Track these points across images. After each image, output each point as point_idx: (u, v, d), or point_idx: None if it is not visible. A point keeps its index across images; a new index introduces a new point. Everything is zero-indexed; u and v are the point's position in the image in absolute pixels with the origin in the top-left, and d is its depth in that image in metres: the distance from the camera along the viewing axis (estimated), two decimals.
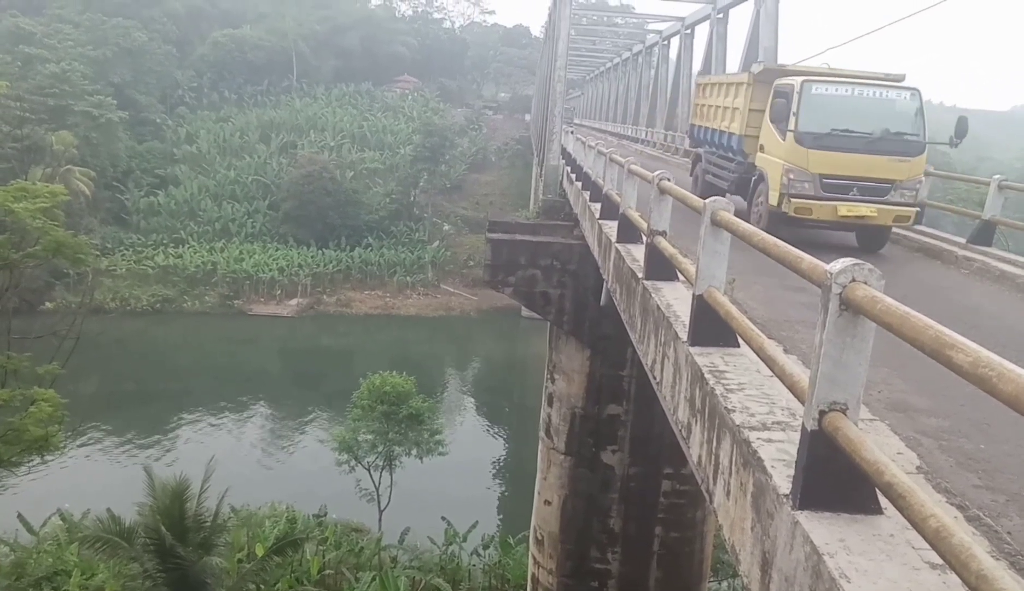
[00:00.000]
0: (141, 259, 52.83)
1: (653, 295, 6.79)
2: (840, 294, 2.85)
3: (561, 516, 15.79)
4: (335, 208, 57.34)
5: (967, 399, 4.49)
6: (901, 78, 11.68)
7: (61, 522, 21.26)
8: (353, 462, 22.41)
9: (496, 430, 37.33)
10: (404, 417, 22.17)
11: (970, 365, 2.14)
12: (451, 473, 26.59)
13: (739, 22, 28.45)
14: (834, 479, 2.97)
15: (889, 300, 2.63)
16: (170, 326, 48.34)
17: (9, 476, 21.06)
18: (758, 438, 3.72)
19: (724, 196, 12.81)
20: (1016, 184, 13.03)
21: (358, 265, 55.66)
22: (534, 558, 16.73)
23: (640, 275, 7.49)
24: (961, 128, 11.24)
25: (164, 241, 55.46)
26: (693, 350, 5.14)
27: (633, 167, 9.26)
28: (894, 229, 11.56)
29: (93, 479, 26.81)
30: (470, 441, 33.13)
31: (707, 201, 5.10)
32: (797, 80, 10.95)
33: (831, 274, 2.88)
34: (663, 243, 6.96)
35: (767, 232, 4.05)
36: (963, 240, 11.83)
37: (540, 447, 16.77)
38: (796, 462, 3.15)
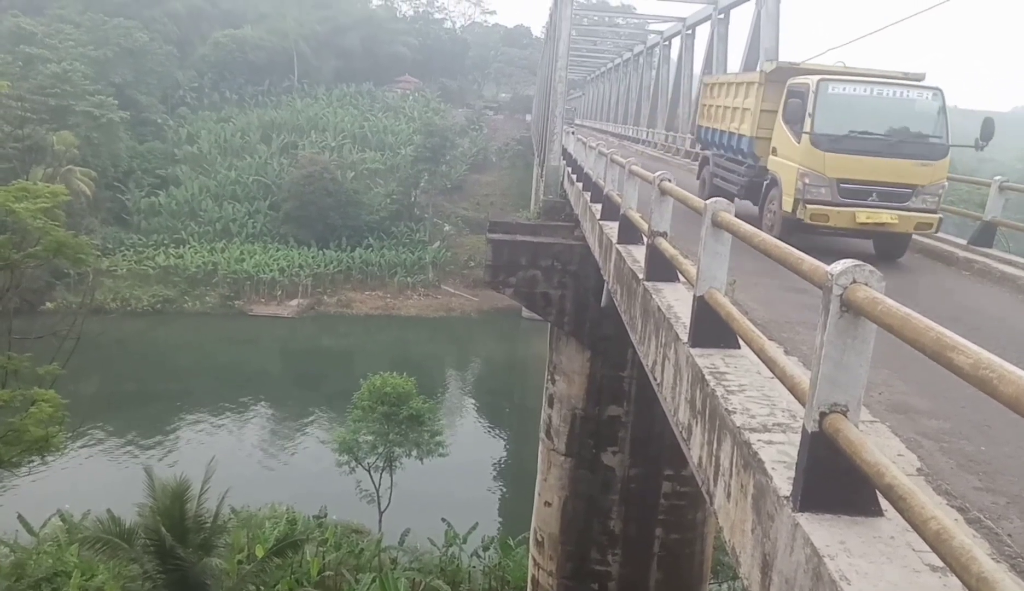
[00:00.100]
0: (142, 259, 52.86)
1: (654, 296, 6.79)
2: (841, 296, 2.84)
3: (561, 517, 15.78)
4: (336, 208, 57.36)
5: (968, 401, 4.48)
6: (921, 77, 11.18)
7: (61, 523, 21.26)
8: (353, 463, 22.42)
9: (496, 431, 37.33)
10: (404, 418, 22.18)
11: (971, 367, 2.13)
12: (451, 474, 26.59)
13: (740, 23, 28.45)
14: (835, 481, 2.96)
15: (890, 302, 2.62)
16: (171, 326, 48.36)
17: (9, 477, 21.05)
18: (759, 440, 3.71)
19: (733, 201, 12.74)
20: (1017, 185, 13.02)
21: (359, 266, 55.68)
22: (534, 560, 16.72)
23: (641, 276, 7.48)
24: (987, 130, 10.66)
25: (165, 241, 55.49)
26: (694, 351, 5.13)
27: (634, 168, 9.25)
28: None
29: (93, 480, 26.81)
30: (470, 442, 33.13)
31: (708, 202, 5.10)
32: (812, 79, 10.43)
33: (832, 276, 2.88)
34: (664, 244, 6.96)
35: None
36: (964, 241, 11.81)
37: (540, 448, 16.76)
38: (797, 464, 3.15)
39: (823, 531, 2.87)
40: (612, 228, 10.12)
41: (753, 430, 3.84)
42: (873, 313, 2.68)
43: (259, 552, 17.00)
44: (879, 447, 2.87)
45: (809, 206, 10.09)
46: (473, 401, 41.47)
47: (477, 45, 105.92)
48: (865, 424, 3.76)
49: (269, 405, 37.71)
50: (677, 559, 15.46)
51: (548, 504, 16.07)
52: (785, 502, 3.13)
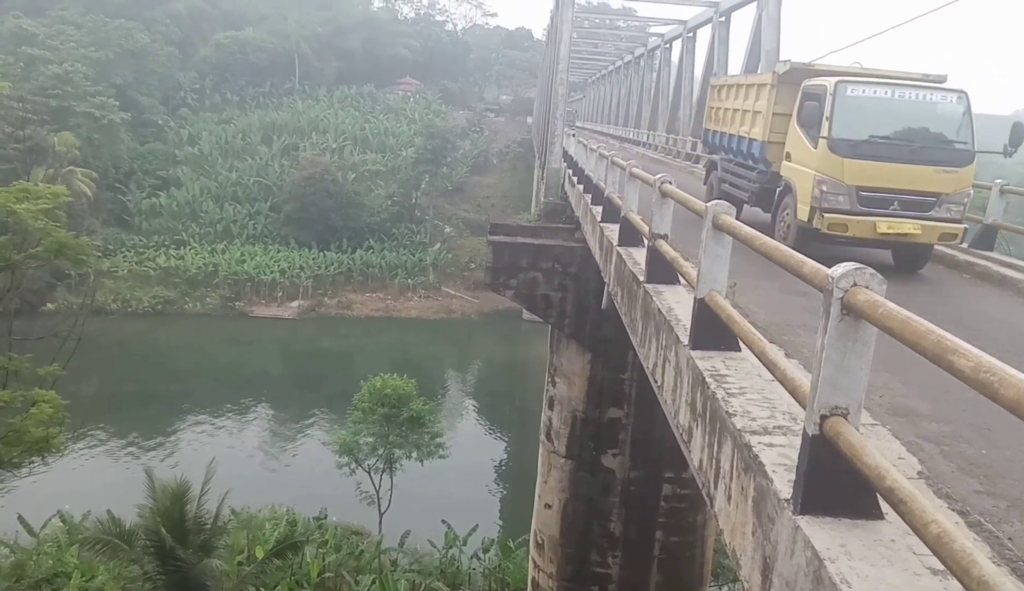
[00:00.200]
0: (143, 260, 52.89)
1: (654, 299, 6.79)
2: (842, 299, 2.85)
3: (561, 520, 15.77)
4: (336, 210, 57.40)
5: (968, 404, 4.48)
6: (943, 79, 10.71)
7: (61, 524, 21.25)
8: (354, 465, 22.43)
9: (497, 433, 37.32)
10: (405, 420, 22.20)
11: (971, 370, 2.13)
12: (452, 476, 26.58)
13: (741, 25, 28.47)
14: (835, 484, 2.96)
15: (891, 305, 2.62)
16: (171, 327, 48.38)
17: (10, 477, 21.05)
18: (759, 442, 3.71)
19: (741, 208, 12.38)
20: (1017, 188, 13.02)
21: (359, 267, 55.70)
22: (534, 562, 16.71)
23: (641, 278, 7.48)
24: (1017, 135, 10.12)
25: (166, 242, 55.51)
26: (694, 354, 5.13)
27: (635, 170, 9.25)
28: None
29: (93, 481, 26.81)
30: (471, 444, 33.11)
31: (709, 205, 5.09)
32: (830, 81, 9.89)
33: (832, 278, 2.88)
34: (664, 246, 6.96)
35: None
36: (965, 244, 11.80)
37: (540, 450, 16.75)
38: (797, 467, 3.15)
39: (824, 534, 2.87)
40: (613, 230, 10.13)
41: (754, 433, 3.84)
42: (874, 316, 2.68)
43: (259, 553, 16.99)
44: (880, 450, 2.87)
45: (826, 215, 9.57)
46: (473, 403, 41.46)
47: (478, 47, 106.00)
48: (866, 427, 3.76)
49: (269, 406, 37.71)
50: (677, 562, 15.45)
51: (548, 506, 16.06)
52: (786, 505, 3.13)
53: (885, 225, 9.50)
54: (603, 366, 15.23)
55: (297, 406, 37.66)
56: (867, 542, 2.84)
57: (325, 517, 22.88)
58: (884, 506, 2.87)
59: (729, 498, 4.00)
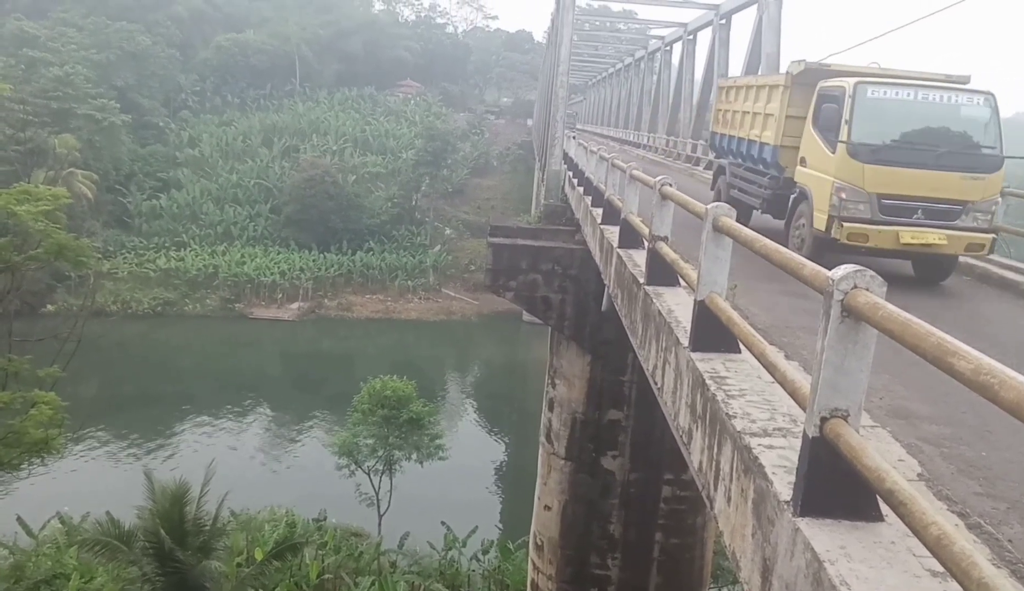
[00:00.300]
0: (143, 262, 52.91)
1: (654, 300, 6.79)
2: (842, 301, 2.85)
3: (561, 521, 15.76)
4: (337, 212, 57.43)
5: (968, 406, 4.48)
6: (966, 80, 10.19)
7: (60, 525, 21.23)
8: (353, 466, 22.43)
9: (496, 435, 37.30)
10: (404, 421, 22.19)
11: (971, 372, 2.13)
12: (451, 478, 26.58)
13: (742, 28, 28.49)
14: (835, 486, 2.96)
15: (891, 307, 2.62)
16: (171, 329, 48.39)
17: (9, 479, 21.05)
18: (759, 444, 3.71)
19: (750, 215, 12.19)
20: (1018, 191, 13.00)
21: (359, 269, 55.73)
22: (534, 564, 16.70)
23: (642, 280, 7.49)
24: None
25: (166, 244, 55.55)
26: (694, 356, 5.13)
27: (635, 172, 9.26)
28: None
29: (93, 482, 26.81)
30: (470, 446, 33.10)
31: (709, 207, 5.10)
32: (849, 81, 9.33)
33: (833, 281, 2.88)
34: (665, 248, 6.96)
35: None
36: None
37: (540, 452, 16.75)
38: (797, 469, 3.15)
39: (823, 536, 2.87)
40: (613, 232, 10.13)
41: (754, 435, 3.84)
42: (874, 318, 2.68)
43: (258, 555, 16.97)
44: (880, 452, 2.87)
45: (846, 224, 9.01)
46: (473, 405, 41.45)
47: (479, 50, 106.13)
48: (866, 429, 3.76)
49: (269, 408, 37.71)
50: (677, 564, 15.44)
51: (548, 508, 16.05)
52: (785, 507, 3.12)
53: (908, 235, 8.94)
54: (603, 368, 15.23)
55: (297, 407, 37.65)
56: (867, 544, 2.84)
57: (324, 519, 22.87)
58: (884, 508, 2.86)
59: (729, 500, 4.00)
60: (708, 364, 4.96)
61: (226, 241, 57.08)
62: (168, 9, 76.43)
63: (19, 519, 20.76)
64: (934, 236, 8.96)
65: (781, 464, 3.47)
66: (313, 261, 55.34)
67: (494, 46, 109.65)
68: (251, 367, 44.68)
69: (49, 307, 44.40)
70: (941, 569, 2.36)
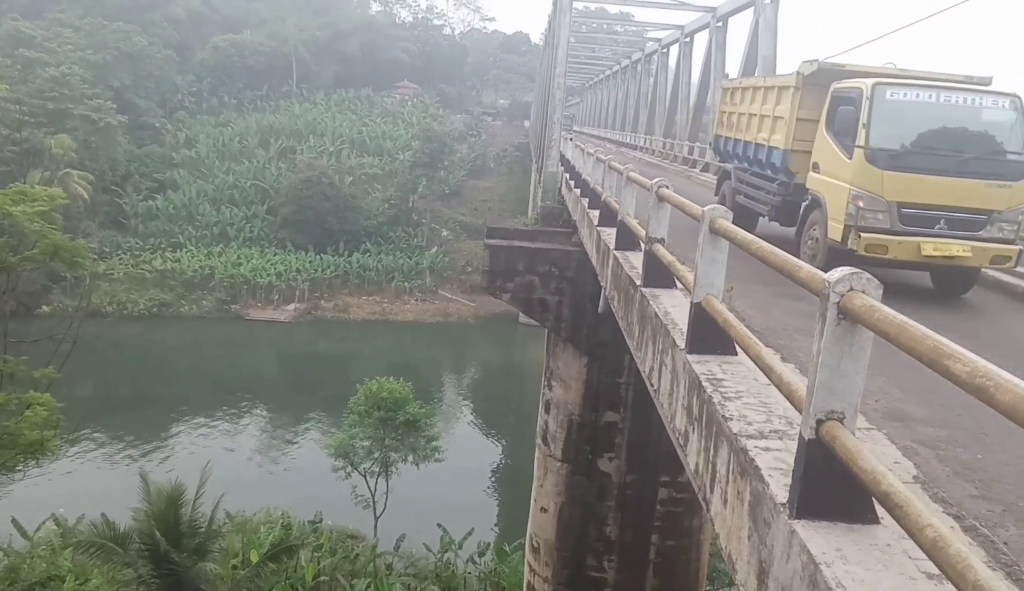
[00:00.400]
0: (139, 263, 52.83)
1: (651, 302, 6.79)
2: (838, 303, 2.85)
3: (557, 524, 15.76)
4: (333, 213, 57.40)
5: (964, 409, 4.49)
6: (988, 81, 9.73)
7: (55, 527, 21.17)
8: (349, 468, 22.41)
9: (493, 437, 37.29)
10: (401, 423, 22.19)
11: (967, 375, 2.13)
12: (447, 480, 26.55)
13: (738, 30, 28.55)
14: (831, 488, 2.96)
15: (887, 310, 2.62)
16: (167, 330, 48.30)
17: (4, 480, 20.97)
18: (755, 447, 3.71)
19: (756, 221, 11.99)
20: None
21: (356, 270, 55.69)
22: (530, 566, 16.69)
23: (638, 282, 7.49)
24: None
25: (162, 245, 55.47)
26: (691, 358, 5.13)
27: (632, 174, 9.26)
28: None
29: (88, 484, 26.73)
30: (467, 448, 33.08)
31: (705, 209, 5.10)
32: (866, 82, 8.79)
33: (829, 283, 2.88)
34: (661, 250, 6.97)
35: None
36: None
37: (537, 454, 16.74)
38: (793, 471, 3.15)
39: (819, 538, 2.87)
40: (610, 234, 10.13)
41: (750, 437, 3.84)
42: (870, 321, 2.68)
43: (254, 557, 16.95)
44: (876, 454, 2.87)
45: (863, 234, 8.49)
46: (470, 406, 41.43)
47: (476, 51, 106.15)
48: (862, 431, 3.76)
49: (265, 409, 37.64)
50: (673, 566, 15.45)
51: (544, 510, 16.05)
52: (782, 509, 3.12)
53: (931, 246, 8.40)
54: (599, 370, 15.24)
55: (293, 409, 37.60)
56: (863, 546, 2.84)
57: (320, 521, 22.84)
58: (880, 510, 2.87)
59: (725, 502, 4.00)
60: (704, 366, 4.96)
61: (222, 242, 57.00)
62: (165, 10, 76.33)
63: (14, 521, 20.70)
64: (958, 248, 8.45)
65: (777, 466, 3.48)
66: (309, 262, 55.29)
67: (491, 48, 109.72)
68: (247, 368, 44.61)
69: (45, 308, 44.30)
70: (937, 571, 2.36)
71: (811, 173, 9.91)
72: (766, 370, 3.88)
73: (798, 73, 10.69)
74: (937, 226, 8.54)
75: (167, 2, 77.04)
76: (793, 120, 10.70)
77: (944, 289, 9.22)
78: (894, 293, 7.47)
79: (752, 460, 3.59)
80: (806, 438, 3.01)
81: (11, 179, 39.34)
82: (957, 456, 4.06)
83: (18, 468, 16.43)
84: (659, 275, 7.16)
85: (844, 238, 8.72)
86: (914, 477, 3.66)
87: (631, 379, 14.88)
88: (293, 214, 57.18)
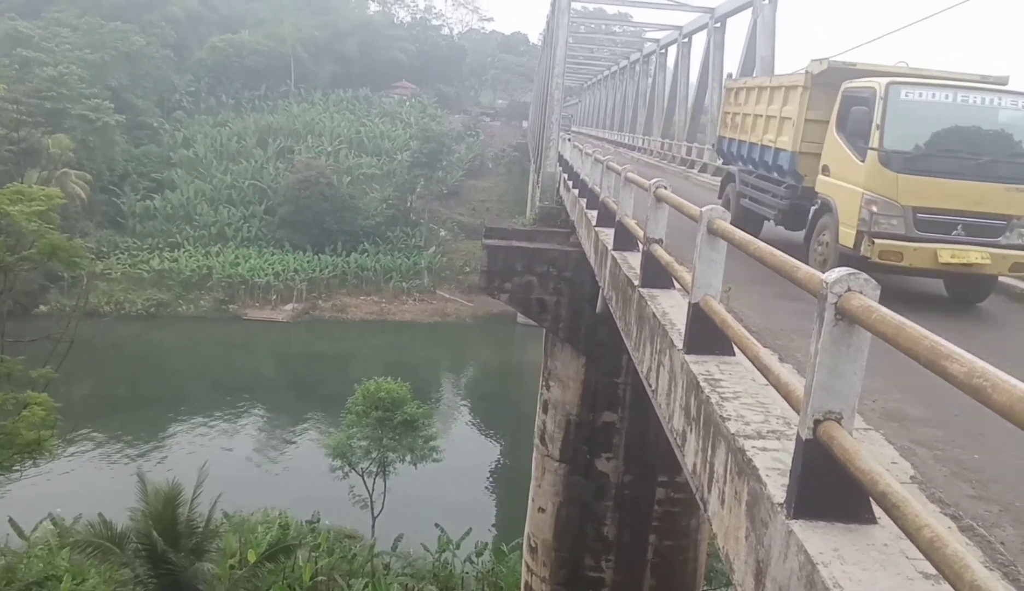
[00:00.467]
0: (136, 263, 52.78)
1: (649, 303, 6.80)
2: (836, 304, 2.85)
3: (555, 524, 15.76)
4: (331, 213, 57.37)
5: (962, 409, 4.49)
6: (1004, 80, 9.39)
7: (52, 527, 21.15)
8: (347, 468, 22.39)
9: (491, 437, 37.29)
10: (398, 423, 22.18)
11: (965, 375, 2.14)
12: (445, 480, 26.54)
13: (736, 31, 28.58)
14: (829, 488, 2.97)
15: (884, 310, 2.63)
16: (165, 330, 48.26)
17: (1, 480, 20.94)
18: (753, 447, 3.72)
19: (761, 225, 11.74)
20: None
21: (354, 270, 55.67)
22: (527, 566, 16.68)
23: (636, 283, 7.49)
24: None
25: (160, 245, 55.43)
26: (688, 358, 5.14)
27: (630, 175, 9.27)
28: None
29: (85, 484, 26.69)
30: (464, 448, 33.08)
31: (703, 209, 5.10)
32: (880, 82, 8.40)
33: (827, 284, 2.88)
34: (659, 251, 6.97)
35: None
36: None
37: (534, 454, 16.74)
38: (791, 471, 3.15)
39: (817, 538, 2.87)
40: (608, 234, 10.13)
41: (747, 437, 3.85)
42: (868, 321, 2.69)
43: (251, 557, 16.95)
44: (873, 455, 2.88)
45: (877, 241, 8.13)
46: (467, 406, 41.43)
47: (474, 52, 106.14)
48: (859, 432, 3.77)
49: (263, 409, 37.61)
50: (671, 566, 15.45)
51: (542, 510, 16.05)
52: (779, 509, 3.13)
53: (948, 254, 8.06)
54: (597, 370, 15.24)
55: (290, 409, 37.57)
56: (860, 546, 2.84)
57: (318, 521, 22.83)
58: (877, 510, 2.87)
59: (723, 502, 4.00)
60: (702, 366, 4.97)
61: (220, 242, 56.96)
62: (163, 10, 76.26)
63: (11, 520, 20.67)
64: (976, 255, 8.09)
65: (775, 466, 3.48)
66: (307, 262, 55.26)
67: (489, 48, 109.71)
68: (245, 368, 44.57)
69: (42, 308, 44.24)
70: (934, 571, 2.36)
71: (820, 176, 9.58)
72: (764, 370, 3.88)
73: (807, 72, 10.30)
74: (954, 232, 8.21)
75: (165, 2, 76.99)
76: (801, 121, 10.34)
77: (959, 297, 8.87)
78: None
79: (750, 460, 3.59)
80: (803, 438, 3.02)
81: (8, 179, 39.21)
82: (954, 456, 4.06)
83: (15, 468, 16.42)
84: (657, 275, 7.16)
85: (856, 244, 8.37)
86: (911, 477, 3.67)
87: (629, 379, 14.88)
88: (291, 214, 57.15)
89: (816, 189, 9.66)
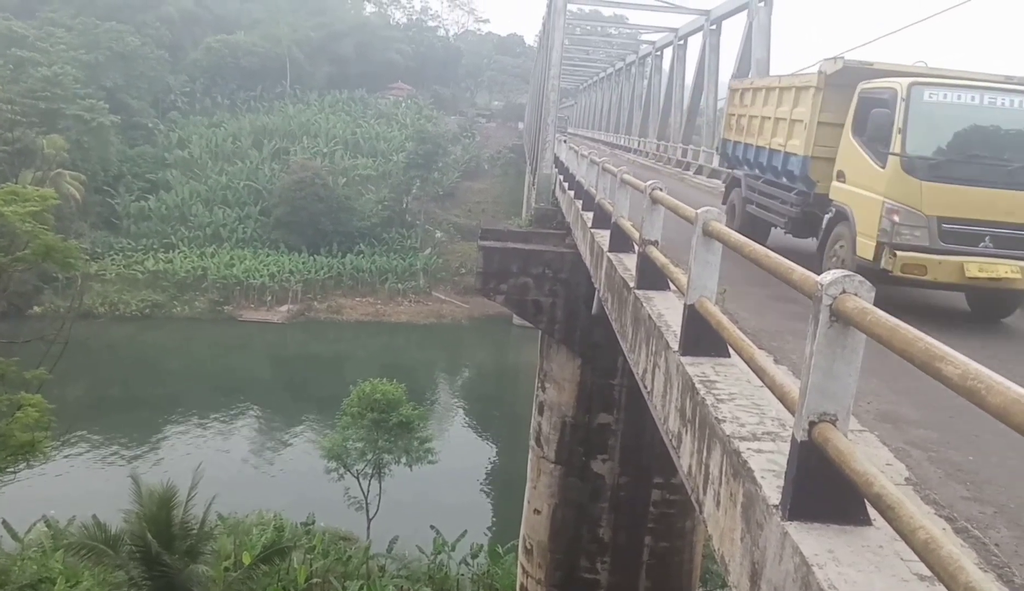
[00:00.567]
0: (131, 264, 52.62)
1: (645, 305, 6.80)
2: (831, 305, 2.86)
3: (550, 525, 15.76)
4: (327, 214, 57.30)
5: (956, 411, 4.50)
6: None
7: (46, 529, 21.03)
8: (342, 470, 22.32)
9: (486, 438, 37.26)
10: (394, 425, 22.12)
11: (959, 378, 2.14)
12: (440, 481, 26.51)
13: (732, 33, 28.67)
14: (824, 490, 2.97)
15: (879, 312, 2.63)
16: (159, 331, 48.12)
17: None
18: (748, 448, 3.72)
19: (768, 233, 11.34)
20: None
21: (349, 272, 55.59)
22: (523, 568, 16.67)
23: (632, 284, 7.50)
24: None
25: (154, 246, 55.28)
26: (684, 360, 5.14)
27: (625, 176, 9.28)
28: None
29: (79, 485, 26.59)
30: (460, 449, 33.05)
31: (699, 211, 5.11)
32: (901, 82, 7.86)
33: (822, 285, 2.89)
34: (655, 253, 6.98)
35: None
36: None
37: (530, 456, 16.74)
38: (786, 473, 3.16)
39: (812, 540, 2.88)
40: (603, 236, 10.14)
41: (743, 439, 3.85)
42: (862, 323, 2.69)
43: (246, 559, 16.88)
44: (868, 456, 2.88)
45: (899, 253, 7.57)
46: (463, 408, 41.40)
47: (470, 53, 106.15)
48: (854, 433, 3.77)
49: (258, 411, 37.53)
50: (666, 567, 15.46)
51: (537, 512, 16.04)
52: (774, 511, 3.13)
53: (975, 267, 7.49)
54: (593, 371, 15.25)
55: (286, 411, 37.50)
56: (855, 548, 2.85)
57: (313, 522, 22.75)
58: (872, 512, 2.88)
59: (718, 504, 4.01)
60: (698, 368, 4.97)
61: (215, 243, 56.84)
62: (158, 10, 76.09)
63: (4, 522, 20.56)
64: (1005, 269, 7.50)
65: (770, 468, 3.48)
66: (303, 263, 55.18)
67: (485, 49, 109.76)
68: (240, 370, 44.46)
69: (36, 309, 44.04)
70: (929, 573, 2.37)
71: (835, 183, 9.01)
72: (759, 372, 3.89)
73: (820, 72, 9.66)
74: (982, 244, 7.63)
75: (160, 2, 76.83)
76: (814, 124, 9.73)
77: (982, 312, 8.32)
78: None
79: (745, 462, 3.59)
80: (799, 440, 3.02)
81: (3, 179, 39.20)
82: (949, 458, 4.07)
83: (9, 470, 16.36)
84: (653, 277, 7.17)
85: (876, 256, 7.80)
86: (906, 479, 3.67)
87: (624, 381, 14.89)
88: (286, 215, 57.06)
89: (830, 196, 9.11)
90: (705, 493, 4.29)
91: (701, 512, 4.38)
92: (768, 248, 4.22)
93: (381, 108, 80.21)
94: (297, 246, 56.53)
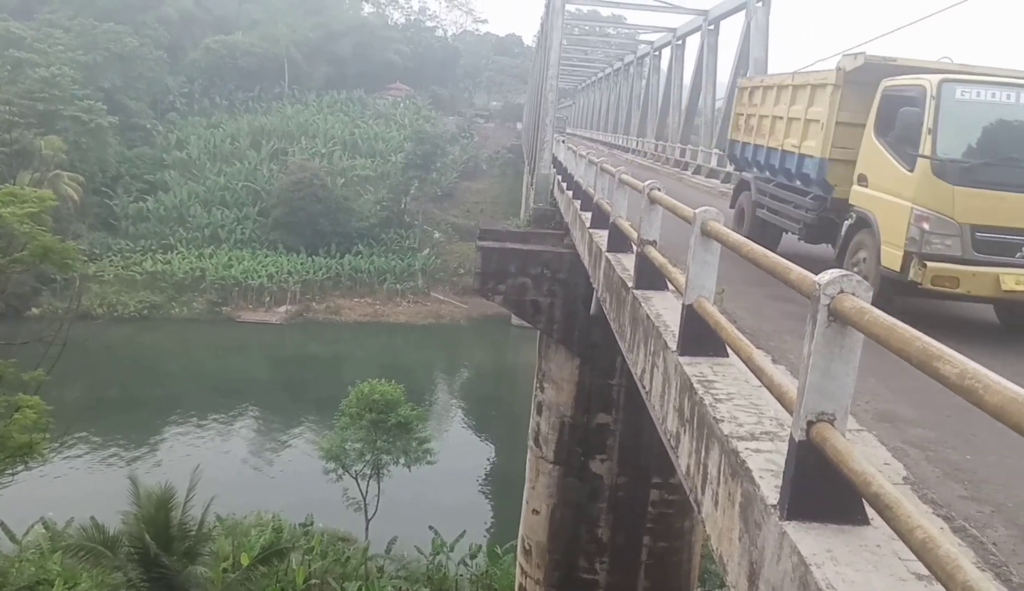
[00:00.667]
0: (129, 265, 52.58)
1: (643, 304, 6.80)
2: (828, 305, 2.86)
3: (549, 526, 15.75)
4: (325, 215, 57.28)
5: (954, 410, 4.51)
6: None
7: (44, 530, 21.01)
8: (340, 471, 22.33)
9: (485, 439, 37.26)
10: (392, 425, 22.13)
11: (956, 377, 2.14)
12: (439, 482, 26.51)
13: (730, 33, 28.65)
14: (822, 490, 2.97)
15: (877, 312, 2.63)
16: (158, 332, 48.07)
17: None
18: (746, 448, 3.72)
19: (779, 238, 10.90)
20: None
21: (348, 272, 55.57)
22: (521, 568, 16.67)
23: (630, 284, 7.50)
24: None
25: (152, 247, 55.26)
26: (682, 360, 5.14)
27: (624, 176, 9.28)
28: None
29: (77, 487, 26.56)
30: (458, 450, 33.04)
31: (697, 211, 5.11)
32: (931, 79, 7.30)
33: (819, 285, 2.89)
34: (653, 253, 6.98)
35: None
36: None
37: (528, 456, 16.74)
38: (784, 472, 3.16)
39: (810, 540, 2.88)
40: (602, 236, 10.14)
41: (741, 438, 3.85)
42: (860, 323, 2.69)
43: (244, 560, 16.87)
44: (866, 456, 2.88)
45: (930, 264, 6.99)
46: (462, 408, 41.40)
47: (468, 53, 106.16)
48: (852, 433, 3.77)
49: (256, 412, 37.50)
50: (665, 567, 15.46)
51: (536, 512, 16.04)
52: (772, 510, 3.13)
53: (1012, 279, 6.92)
54: (591, 371, 15.25)
55: (284, 412, 37.47)
56: (853, 547, 2.85)
57: (311, 523, 22.74)
58: (870, 512, 2.88)
59: (716, 504, 4.01)
60: (696, 368, 4.97)
61: (213, 244, 56.81)
62: (156, 11, 76.05)
63: (2, 524, 20.53)
64: None
65: (768, 468, 3.48)
66: (301, 264, 55.15)
67: (484, 50, 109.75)
68: (238, 371, 44.43)
69: (34, 310, 43.99)
70: (927, 572, 2.37)
71: (856, 187, 8.45)
72: (757, 372, 3.89)
73: (839, 69, 9.10)
74: (1019, 254, 7.07)
75: (159, 3, 76.79)
76: (832, 124, 9.17)
77: (1013, 325, 7.77)
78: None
79: (743, 462, 3.60)
80: (797, 440, 3.02)
81: (1, 180, 39.11)
82: (947, 457, 4.08)
83: (7, 471, 16.34)
84: (651, 277, 7.17)
85: (903, 267, 7.21)
86: (904, 478, 3.67)
87: (623, 381, 14.89)
88: (285, 216, 57.04)
89: (850, 201, 8.52)
90: (703, 493, 4.29)
91: (699, 512, 4.39)
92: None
93: (379, 108, 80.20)
94: (295, 247, 56.51)
